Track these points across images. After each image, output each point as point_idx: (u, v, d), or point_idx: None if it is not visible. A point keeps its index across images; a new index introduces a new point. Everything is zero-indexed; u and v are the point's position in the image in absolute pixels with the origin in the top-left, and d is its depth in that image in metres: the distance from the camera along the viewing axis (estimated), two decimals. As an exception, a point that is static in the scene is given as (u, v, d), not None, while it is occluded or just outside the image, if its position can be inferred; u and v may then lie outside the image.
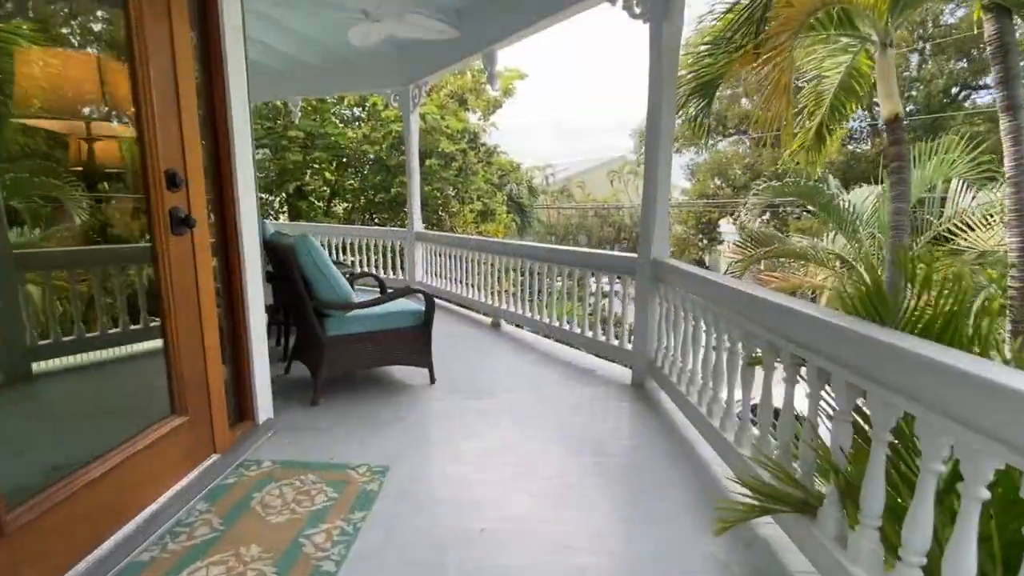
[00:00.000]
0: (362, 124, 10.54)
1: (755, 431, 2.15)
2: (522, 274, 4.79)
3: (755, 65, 3.39)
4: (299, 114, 7.32)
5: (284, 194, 10.03)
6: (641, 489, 2.23)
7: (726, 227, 21.91)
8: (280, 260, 2.95)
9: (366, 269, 7.08)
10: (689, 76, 4.30)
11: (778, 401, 2.02)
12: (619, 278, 3.79)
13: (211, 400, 2.23)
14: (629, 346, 3.66)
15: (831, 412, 1.66)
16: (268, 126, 9.60)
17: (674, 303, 3.06)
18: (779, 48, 3.11)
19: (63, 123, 2.09)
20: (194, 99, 2.13)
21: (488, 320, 5.29)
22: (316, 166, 10.32)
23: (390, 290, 3.49)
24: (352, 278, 4.26)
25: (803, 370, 1.80)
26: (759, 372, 2.09)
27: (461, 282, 5.81)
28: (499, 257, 5.05)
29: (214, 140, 2.37)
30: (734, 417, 2.33)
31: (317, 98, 11.28)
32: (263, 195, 11.09)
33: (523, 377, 3.69)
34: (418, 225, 6.66)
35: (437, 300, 6.46)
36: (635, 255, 3.49)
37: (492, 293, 5.23)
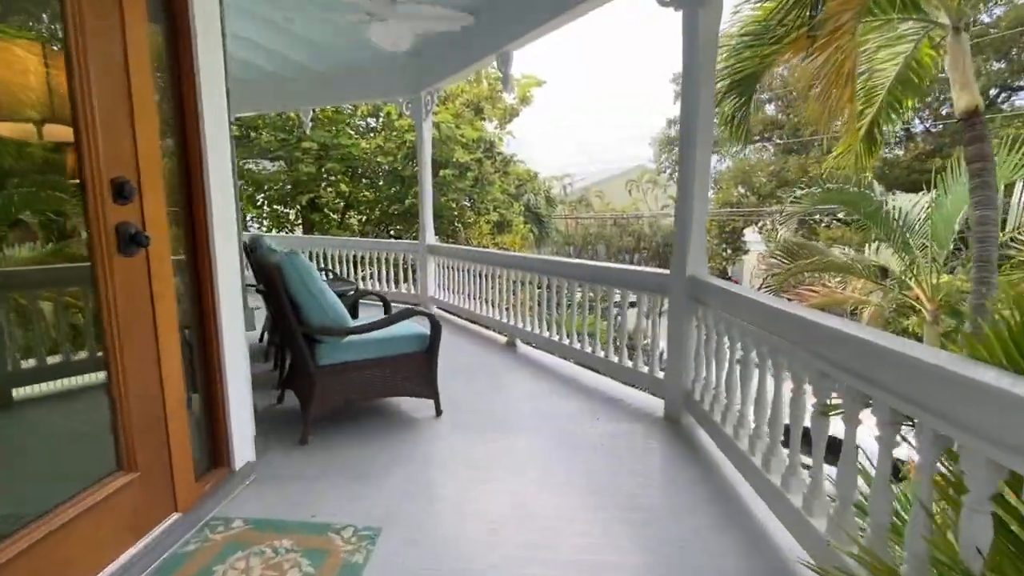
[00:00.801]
0: (376, 134, 10.34)
1: (833, 495, 1.72)
2: (539, 288, 4.41)
3: (812, 49, 2.97)
4: (310, 124, 7.11)
5: (298, 206, 9.87)
6: (688, 567, 1.81)
7: (751, 236, 21.20)
8: (267, 280, 2.63)
9: (376, 285, 6.79)
10: (724, 71, 3.90)
11: (854, 455, 1.60)
12: (646, 296, 3.38)
13: (172, 450, 1.89)
14: (660, 374, 3.24)
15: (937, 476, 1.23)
16: (282, 137, 9.46)
17: (716, 328, 2.64)
18: (840, 29, 2.69)
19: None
20: (152, 99, 1.82)
21: (503, 339, 4.91)
22: (331, 177, 10.14)
23: (393, 311, 3.14)
24: (356, 297, 3.93)
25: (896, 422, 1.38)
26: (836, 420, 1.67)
27: (475, 298, 5.45)
28: (514, 272, 4.68)
29: (183, 146, 2.06)
30: (801, 475, 1.90)
31: (334, 109, 11.18)
32: (277, 207, 10.97)
33: (541, 409, 3.29)
34: (430, 237, 6.34)
35: (450, 317, 6.19)
36: (667, 272, 3.08)
37: (507, 310, 4.86)
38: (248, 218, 10.28)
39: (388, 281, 6.80)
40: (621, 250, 31.87)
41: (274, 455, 2.55)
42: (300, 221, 10.64)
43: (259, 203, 9.91)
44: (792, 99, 18.00)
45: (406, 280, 6.68)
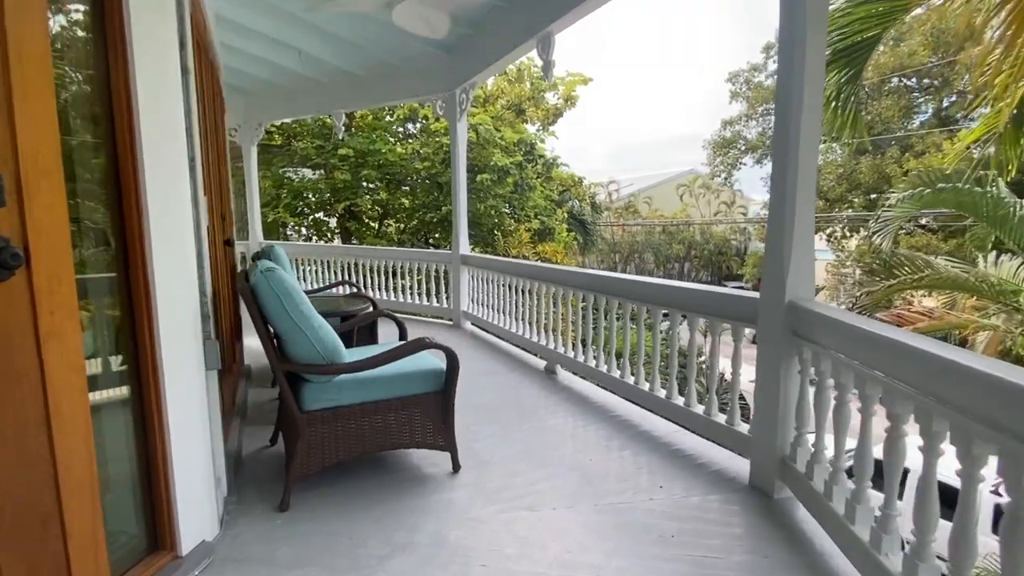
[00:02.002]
0: (413, 140, 9.97)
1: None
2: (584, 306, 3.74)
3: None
4: (342, 129, 6.77)
5: (336, 215, 9.62)
6: None
7: (818, 244, 19.56)
8: (246, 304, 2.11)
9: (407, 299, 6.30)
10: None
11: None
12: (722, 324, 2.65)
13: (68, 545, 1.36)
14: (743, 427, 2.50)
15: None
16: (318, 144, 9.24)
17: (830, 374, 1.91)
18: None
19: None
20: (44, 75, 1.32)
21: (542, 364, 4.27)
22: (368, 185, 9.85)
23: (391, 343, 2.57)
24: (375, 316, 3.40)
25: None
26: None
27: (510, 315, 4.84)
28: (555, 287, 4.03)
29: (111, 137, 1.56)
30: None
31: (373, 116, 10.95)
32: (317, 216, 10.80)
33: (587, 465, 2.61)
34: (464, 247, 5.79)
35: (484, 335, 5.58)
36: (755, 295, 2.36)
37: (546, 331, 4.21)
38: (288, 228, 10.14)
39: (419, 294, 6.31)
40: (670, 258, 30.48)
41: (244, 526, 2.01)
42: (340, 230, 10.41)
43: (298, 211, 9.73)
44: (869, 91, 16.42)
45: (438, 294, 6.16)
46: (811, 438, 2.12)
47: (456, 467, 2.44)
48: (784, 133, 2.11)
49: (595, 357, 3.61)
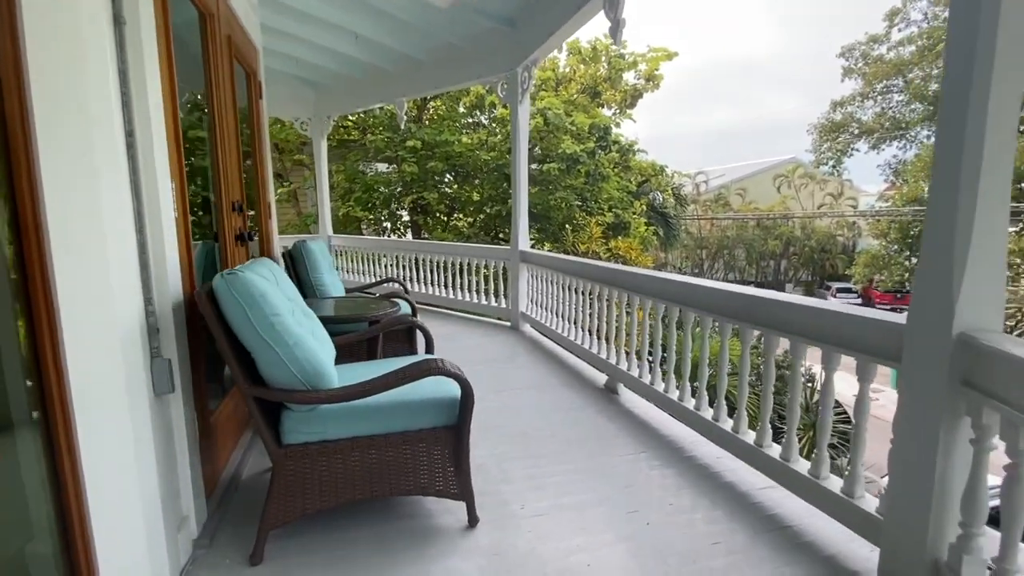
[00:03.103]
0: (481, 129, 9.57)
1: None
2: (653, 317, 3.08)
3: None
4: (404, 118, 6.52)
5: (405, 209, 9.50)
6: None
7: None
8: (203, 313, 1.75)
9: (463, 296, 5.91)
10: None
11: None
12: (844, 356, 1.90)
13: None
14: (872, 502, 1.77)
15: None
16: (387, 136, 9.13)
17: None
18: None
19: None
20: None
21: (602, 379, 3.66)
22: (437, 177, 9.63)
23: (409, 359, 2.12)
24: (397, 324, 3.00)
25: None
26: None
27: (570, 320, 4.27)
28: (622, 292, 3.40)
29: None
30: None
31: (447, 107, 10.74)
32: (391, 210, 10.80)
33: (646, 533, 2.00)
34: (523, 242, 5.29)
35: (542, 340, 5.03)
36: (899, 318, 1.62)
37: (609, 343, 3.60)
38: (360, 222, 10.20)
39: (477, 292, 5.90)
40: (764, 255, 27.96)
41: (205, 582, 1.66)
42: (411, 225, 10.32)
43: (369, 206, 9.74)
44: None
45: (496, 293, 5.71)
46: (986, 541, 1.40)
47: (473, 521, 1.95)
48: (962, 86, 1.37)
49: (664, 379, 2.95)
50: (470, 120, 10.03)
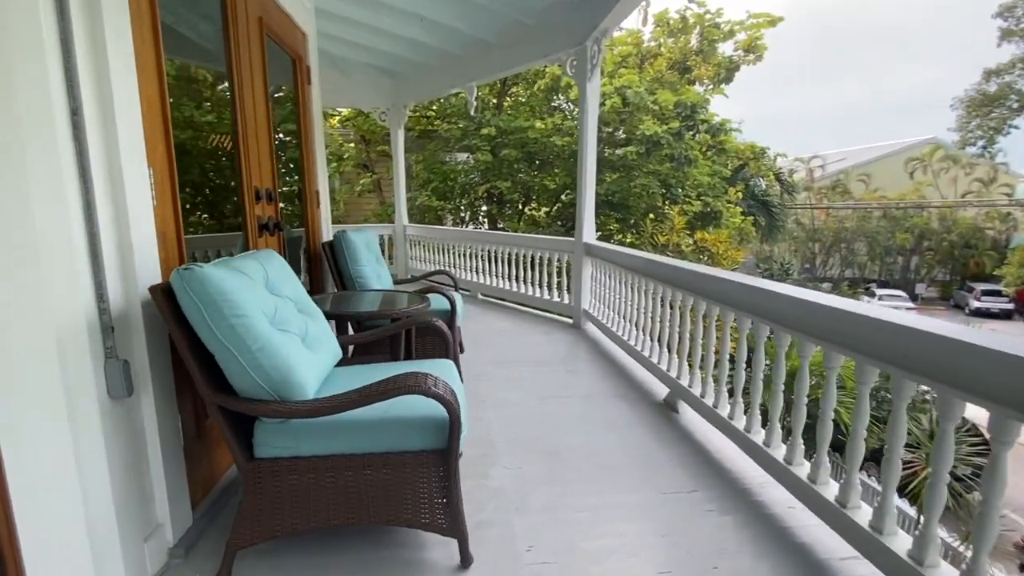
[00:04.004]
0: (556, 112, 9.09)
1: None
2: (720, 329, 2.57)
3: None
4: (475, 104, 6.32)
5: (480, 198, 9.36)
6: None
7: None
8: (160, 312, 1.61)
9: (526, 289, 5.61)
10: None
11: None
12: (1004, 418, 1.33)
13: None
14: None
15: None
16: (462, 125, 9.01)
17: None
18: None
19: None
20: None
21: (662, 393, 3.20)
22: (515, 165, 9.36)
23: (393, 369, 1.86)
24: (416, 323, 2.77)
25: None
26: None
27: (633, 322, 3.81)
28: (691, 297, 2.90)
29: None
30: None
31: (527, 93, 10.44)
32: (468, 199, 10.76)
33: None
34: (588, 233, 4.87)
35: (605, 341, 4.56)
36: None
37: (672, 353, 3.12)
38: (437, 212, 10.26)
39: (540, 286, 5.58)
40: (890, 250, 24.51)
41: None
42: (487, 215, 10.20)
43: (445, 195, 9.72)
44: None
45: (559, 288, 5.35)
46: None
47: (466, 561, 1.67)
48: None
49: (731, 402, 2.45)
50: (548, 104, 9.57)
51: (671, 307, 3.15)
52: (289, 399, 1.53)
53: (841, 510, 1.70)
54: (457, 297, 3.58)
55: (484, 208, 10.81)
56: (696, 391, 2.74)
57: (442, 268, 6.07)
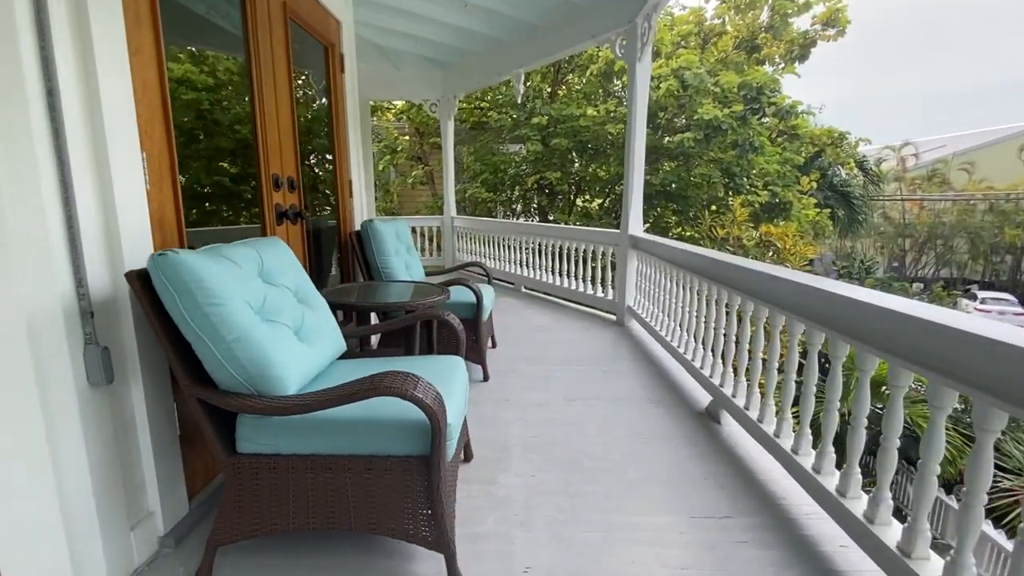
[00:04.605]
0: (610, 98, 8.65)
1: None
2: (769, 332, 2.25)
3: None
4: (521, 91, 6.13)
5: (530, 190, 9.14)
6: None
7: None
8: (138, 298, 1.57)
9: (569, 283, 5.38)
10: None
11: None
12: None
13: None
14: None
15: None
16: (513, 116, 8.82)
17: None
18: None
19: None
20: None
21: (704, 401, 2.91)
22: (572, 155, 9.06)
23: (392, 365, 1.74)
24: (421, 317, 2.65)
25: None
26: None
27: (678, 322, 3.52)
28: (739, 297, 2.59)
29: None
30: None
31: (583, 81, 10.09)
32: (519, 191, 10.60)
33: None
34: (635, 225, 4.57)
35: (651, 344, 4.22)
36: None
37: (715, 357, 2.82)
38: (486, 204, 10.17)
39: (583, 280, 5.34)
40: (997, 248, 21.77)
41: (151, 592, 1.52)
42: (537, 207, 9.99)
43: (495, 187, 9.58)
44: None
45: (603, 283, 5.09)
46: None
47: (453, 579, 1.53)
48: None
49: (777, 417, 2.14)
50: (602, 91, 9.14)
51: (716, 306, 2.85)
52: (267, 394, 1.45)
53: (903, 559, 1.40)
54: (486, 290, 3.45)
55: (535, 200, 10.60)
56: (740, 402, 2.44)
57: (477, 260, 5.95)
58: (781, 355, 2.18)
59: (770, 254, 6.09)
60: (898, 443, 1.54)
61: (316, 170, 3.42)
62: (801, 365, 2.06)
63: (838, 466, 1.80)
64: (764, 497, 2.02)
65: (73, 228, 1.34)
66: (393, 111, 10.61)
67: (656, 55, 8.35)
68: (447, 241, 7.87)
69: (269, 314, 1.61)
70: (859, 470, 1.68)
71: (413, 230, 8.11)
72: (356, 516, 1.51)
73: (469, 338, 3.15)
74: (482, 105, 10.74)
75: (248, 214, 2.51)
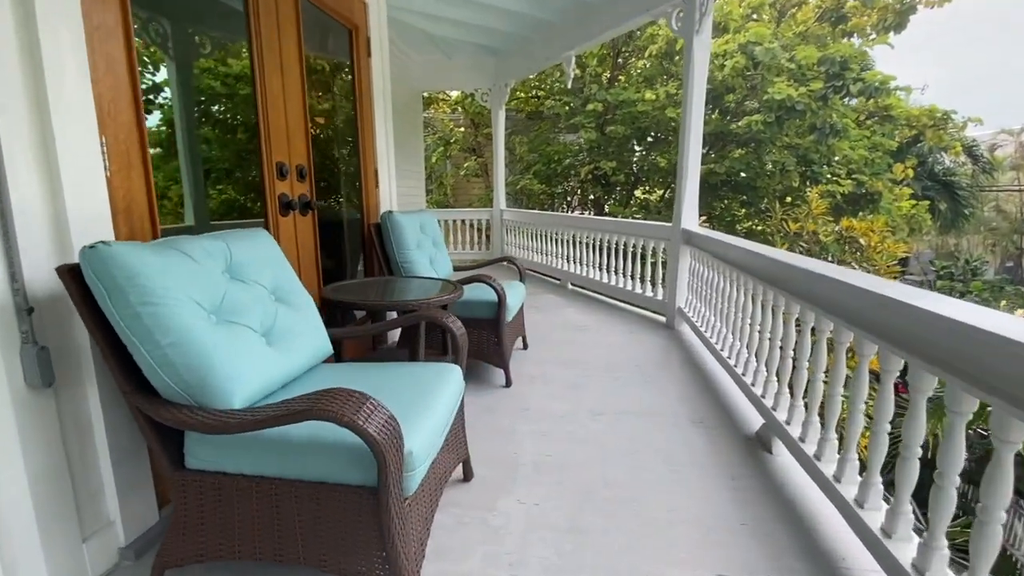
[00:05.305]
0: (669, 82, 7.97)
1: None
2: (833, 354, 1.83)
3: None
4: (571, 74, 5.77)
5: (583, 180, 8.69)
6: None
7: None
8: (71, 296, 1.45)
9: (616, 281, 4.99)
10: None
11: None
12: None
13: None
14: None
15: None
16: (566, 102, 8.40)
17: None
18: None
19: None
20: None
21: (756, 423, 2.49)
22: (626, 144, 8.55)
23: (390, 371, 1.53)
24: (418, 319, 2.42)
25: None
26: None
27: (734, 330, 3.09)
28: (790, 300, 2.16)
29: None
30: None
31: (647, 64, 9.49)
32: (575, 182, 10.18)
33: None
34: (688, 219, 4.14)
35: (702, 352, 3.74)
36: None
37: (771, 374, 2.41)
38: (539, 195, 9.85)
39: (631, 278, 4.94)
40: None
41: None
42: (593, 198, 9.54)
43: (547, 178, 9.22)
44: None
45: (653, 281, 4.67)
46: None
47: (414, 632, 1.30)
48: None
49: (839, 456, 1.73)
50: (663, 72, 8.44)
51: (773, 314, 2.43)
52: (207, 405, 1.29)
53: None
54: (513, 288, 3.20)
55: (590, 192, 10.14)
56: (794, 431, 2.03)
57: (518, 255, 5.71)
58: (847, 379, 1.76)
59: (851, 251, 5.36)
60: (1003, 517, 1.13)
61: (338, 159, 3.30)
62: (873, 393, 1.65)
63: (917, 530, 1.39)
64: (818, 556, 1.63)
65: (6, 221, 1.23)
66: (449, 102, 10.53)
67: (723, 30, 7.62)
68: (496, 234, 7.68)
69: (228, 314, 1.45)
70: (945, 542, 1.28)
71: (463, 222, 7.99)
72: (305, 550, 1.32)
73: (490, 340, 2.92)
74: (539, 94, 10.42)
75: (253, 205, 2.40)
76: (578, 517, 1.81)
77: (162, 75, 2.34)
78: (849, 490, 1.63)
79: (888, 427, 1.52)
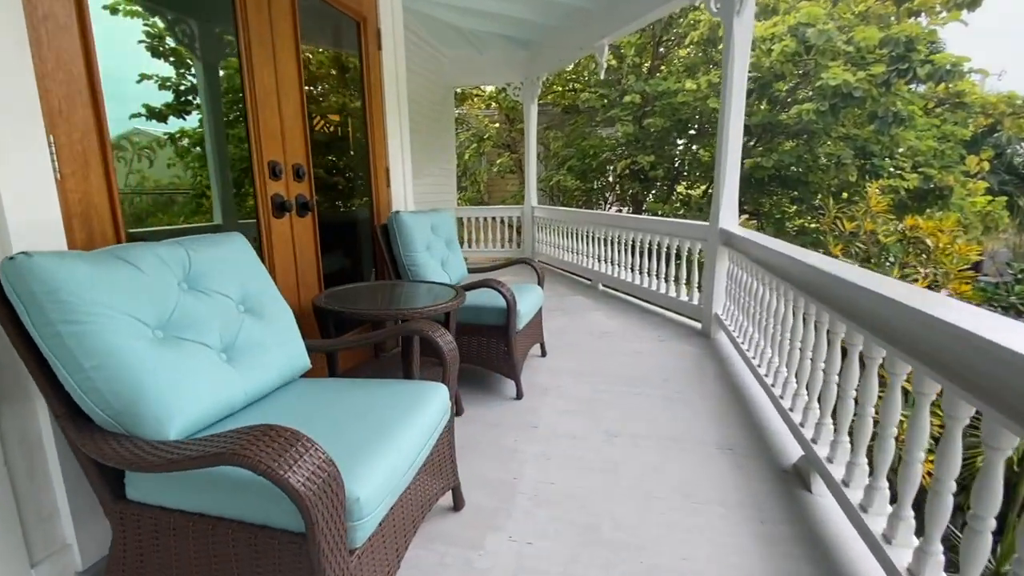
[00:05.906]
0: (711, 70, 7.44)
1: None
2: (887, 386, 1.53)
3: None
4: (604, 64, 5.46)
5: (618, 176, 8.30)
6: None
7: None
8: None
9: (650, 284, 4.67)
10: None
11: None
12: None
13: None
14: None
15: None
16: (601, 94, 8.03)
17: None
18: None
19: None
20: None
21: (794, 454, 2.18)
22: (667, 136, 8.10)
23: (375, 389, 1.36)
24: (409, 332, 2.24)
25: None
26: None
27: (771, 344, 2.77)
28: (840, 320, 1.84)
29: None
30: None
31: (685, 53, 9.00)
32: (613, 178, 9.81)
33: None
34: (727, 218, 3.79)
35: (738, 364, 3.38)
36: None
37: (810, 399, 2.09)
38: (574, 191, 9.52)
39: (662, 279, 4.62)
40: None
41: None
42: (631, 195, 9.13)
43: (582, 174, 8.87)
44: None
45: (688, 283, 4.34)
46: None
47: None
48: None
49: (894, 512, 1.43)
50: (705, 60, 7.89)
51: (816, 331, 2.11)
52: (138, 435, 1.15)
53: None
54: (528, 293, 2.99)
55: (627, 188, 9.73)
56: (837, 472, 1.73)
57: (526, 257, 5.50)
58: (903, 420, 1.46)
59: (915, 253, 4.80)
60: (994, 524, 0.83)
61: (348, 157, 3.18)
62: (936, 440, 1.34)
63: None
64: (861, 632, 1.34)
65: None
66: (483, 97, 10.38)
67: (771, 11, 7.06)
68: (527, 232, 7.47)
69: (177, 330, 1.31)
70: (940, 547, 0.98)
71: (494, 219, 7.81)
72: (244, 600, 1.16)
73: (500, 349, 2.72)
74: (575, 87, 10.09)
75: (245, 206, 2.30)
76: (575, 562, 1.59)
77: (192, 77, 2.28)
78: (902, 555, 1.33)
79: (953, 487, 1.22)
